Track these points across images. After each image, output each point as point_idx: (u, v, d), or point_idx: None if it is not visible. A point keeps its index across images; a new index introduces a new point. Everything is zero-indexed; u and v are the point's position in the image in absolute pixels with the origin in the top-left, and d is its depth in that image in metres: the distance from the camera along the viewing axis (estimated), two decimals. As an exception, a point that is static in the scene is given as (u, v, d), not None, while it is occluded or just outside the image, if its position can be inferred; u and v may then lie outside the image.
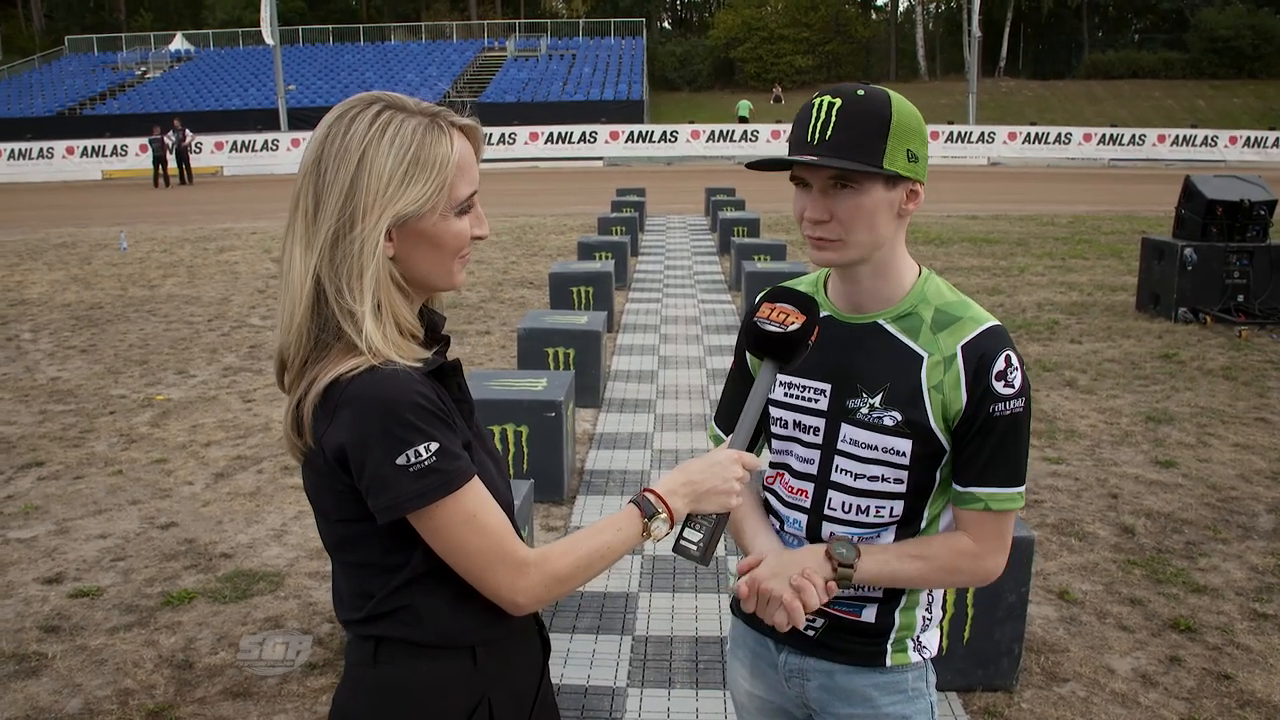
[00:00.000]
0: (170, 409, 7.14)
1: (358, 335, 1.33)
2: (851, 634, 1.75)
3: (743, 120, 42.04)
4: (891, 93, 1.59)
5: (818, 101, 1.57)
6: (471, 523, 1.35)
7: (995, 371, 1.60)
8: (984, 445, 1.62)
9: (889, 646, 1.74)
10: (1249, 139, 36.87)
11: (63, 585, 4.41)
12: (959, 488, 1.66)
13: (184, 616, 4.11)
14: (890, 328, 1.67)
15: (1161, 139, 37.15)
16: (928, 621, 1.77)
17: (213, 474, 5.81)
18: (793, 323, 1.57)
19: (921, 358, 1.63)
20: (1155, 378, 7.85)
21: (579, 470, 5.87)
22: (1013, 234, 16.88)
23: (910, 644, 1.76)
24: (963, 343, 1.62)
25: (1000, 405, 1.60)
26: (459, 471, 1.35)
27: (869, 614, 1.74)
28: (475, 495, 1.36)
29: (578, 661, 3.73)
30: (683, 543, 1.53)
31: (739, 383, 1.88)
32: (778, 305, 1.61)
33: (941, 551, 1.67)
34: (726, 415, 1.90)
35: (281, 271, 1.40)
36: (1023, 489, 1.66)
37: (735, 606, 1.94)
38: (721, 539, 1.57)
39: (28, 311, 10.95)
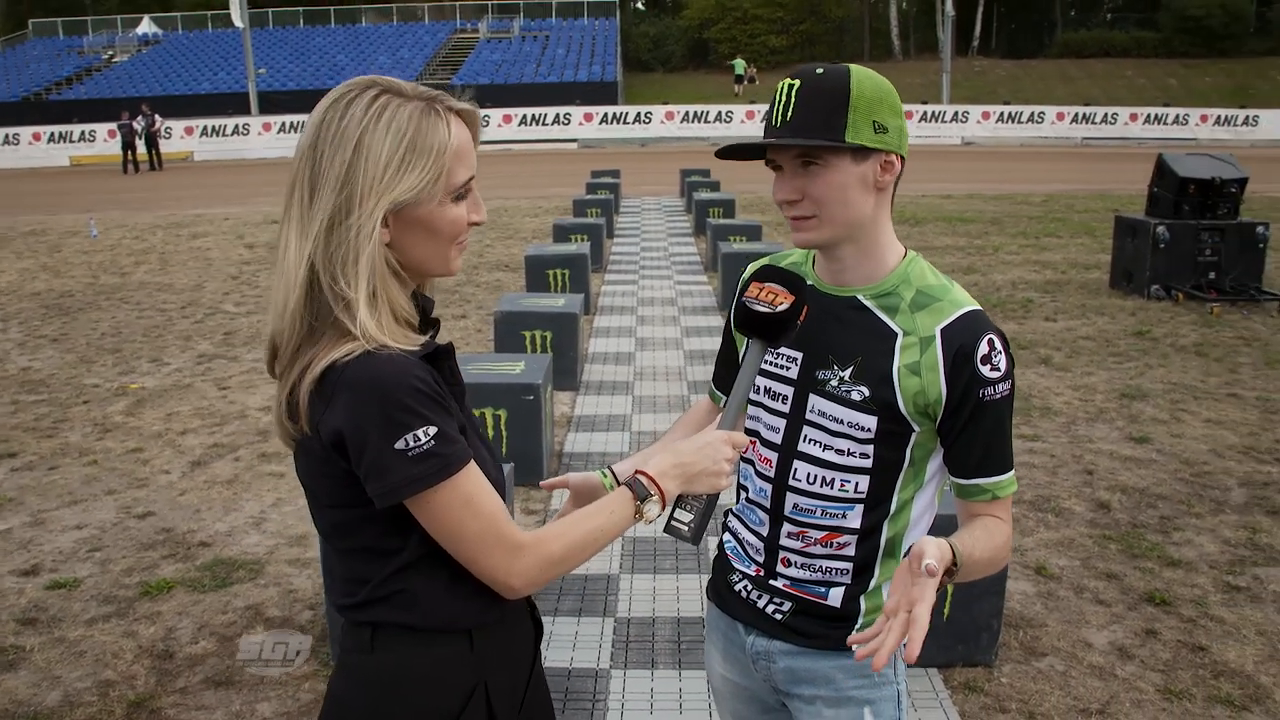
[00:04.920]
0: (145, 397, 7.07)
1: (352, 322, 1.32)
2: (817, 617, 1.73)
3: (739, 79, 44.02)
4: (854, 67, 1.58)
5: (780, 86, 1.58)
6: (468, 506, 1.34)
7: (980, 356, 1.59)
8: (978, 434, 1.61)
9: (854, 631, 1.72)
10: (1219, 117, 37.10)
11: (39, 577, 4.37)
12: (961, 480, 1.65)
13: (163, 606, 4.09)
14: (869, 303, 1.66)
15: (1134, 118, 37.33)
16: None
17: (189, 462, 5.77)
18: (781, 303, 1.57)
19: (896, 335, 1.63)
20: (1129, 354, 7.92)
21: (558, 453, 5.87)
22: (987, 213, 16.95)
23: None
24: (941, 325, 1.60)
25: (989, 389, 1.59)
26: (456, 455, 1.34)
27: (835, 597, 1.72)
28: (472, 479, 1.36)
29: (561, 644, 3.74)
30: (674, 523, 1.53)
31: (726, 351, 1.91)
32: (766, 285, 1.60)
33: (999, 539, 1.62)
34: (719, 379, 1.94)
35: (276, 257, 1.38)
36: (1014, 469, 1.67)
37: (710, 590, 1.94)
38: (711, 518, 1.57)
39: (-3, 300, 10.81)
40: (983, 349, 1.59)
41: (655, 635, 3.81)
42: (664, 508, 1.50)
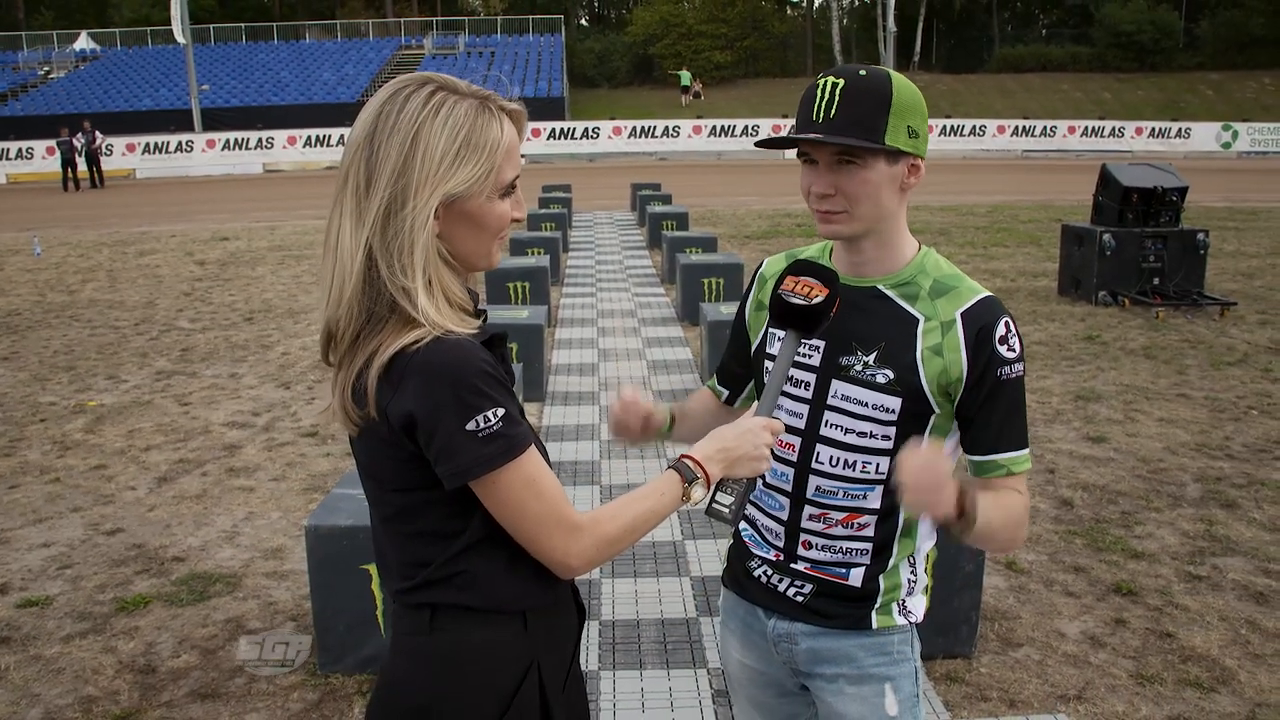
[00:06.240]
0: (104, 415, 6.96)
1: (414, 309, 1.35)
2: (838, 598, 1.80)
3: (685, 90, 44.98)
4: (892, 72, 1.66)
5: (822, 82, 1.64)
6: (532, 487, 1.39)
7: (998, 337, 1.68)
8: (994, 411, 1.69)
9: (874, 610, 1.80)
10: (1153, 129, 38.14)
11: (8, 596, 4.30)
12: (978, 457, 1.73)
13: (141, 621, 4.04)
14: (889, 292, 1.74)
15: (1072, 130, 38.23)
16: (912, 584, 1.82)
17: (155, 478, 5.70)
18: (817, 296, 1.64)
19: (918, 320, 1.71)
20: (1081, 358, 8.13)
21: (530, 463, 5.88)
22: (934, 224, 17.27)
23: (895, 607, 1.81)
24: (961, 310, 1.69)
25: (1006, 369, 1.68)
26: (520, 437, 1.38)
27: (855, 577, 1.79)
28: (534, 460, 1.40)
29: (547, 648, 3.76)
30: (715, 506, 1.59)
31: (736, 345, 1.97)
32: (802, 278, 1.67)
33: (1012, 505, 1.70)
34: (725, 373, 2.01)
35: (327, 246, 1.41)
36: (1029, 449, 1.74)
37: (727, 577, 2.00)
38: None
39: (-59, 320, 10.56)
40: (1000, 330, 1.68)
41: (641, 637, 3.85)
42: (708, 490, 1.55)
